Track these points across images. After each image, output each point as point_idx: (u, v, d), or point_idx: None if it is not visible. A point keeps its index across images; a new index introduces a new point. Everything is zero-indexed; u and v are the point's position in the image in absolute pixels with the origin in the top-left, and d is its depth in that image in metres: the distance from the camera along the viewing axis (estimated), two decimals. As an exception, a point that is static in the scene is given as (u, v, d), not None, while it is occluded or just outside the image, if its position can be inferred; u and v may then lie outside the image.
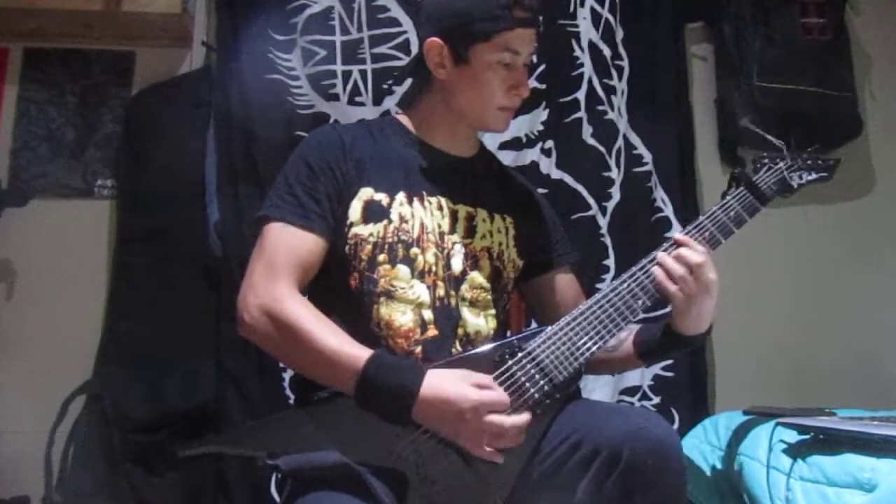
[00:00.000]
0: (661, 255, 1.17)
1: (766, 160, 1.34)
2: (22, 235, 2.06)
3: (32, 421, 1.93)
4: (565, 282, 1.39)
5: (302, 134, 1.99)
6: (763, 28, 2.25)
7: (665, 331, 1.22)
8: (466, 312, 1.20)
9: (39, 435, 1.91)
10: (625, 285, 1.17)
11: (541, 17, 1.26)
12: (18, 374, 1.97)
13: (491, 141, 2.08)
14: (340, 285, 1.19)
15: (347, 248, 1.19)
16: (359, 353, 1.06)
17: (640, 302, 1.16)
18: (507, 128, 1.33)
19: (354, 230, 1.19)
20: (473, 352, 1.14)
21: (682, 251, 1.16)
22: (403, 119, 1.34)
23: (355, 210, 1.20)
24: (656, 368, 2.14)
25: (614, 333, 1.15)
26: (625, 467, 0.99)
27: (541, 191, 1.69)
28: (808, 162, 1.37)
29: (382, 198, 1.21)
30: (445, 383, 1.04)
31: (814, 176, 1.36)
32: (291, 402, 1.32)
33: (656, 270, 1.16)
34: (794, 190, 1.35)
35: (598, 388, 2.08)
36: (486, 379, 1.07)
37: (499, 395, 1.05)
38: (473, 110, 1.27)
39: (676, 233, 1.21)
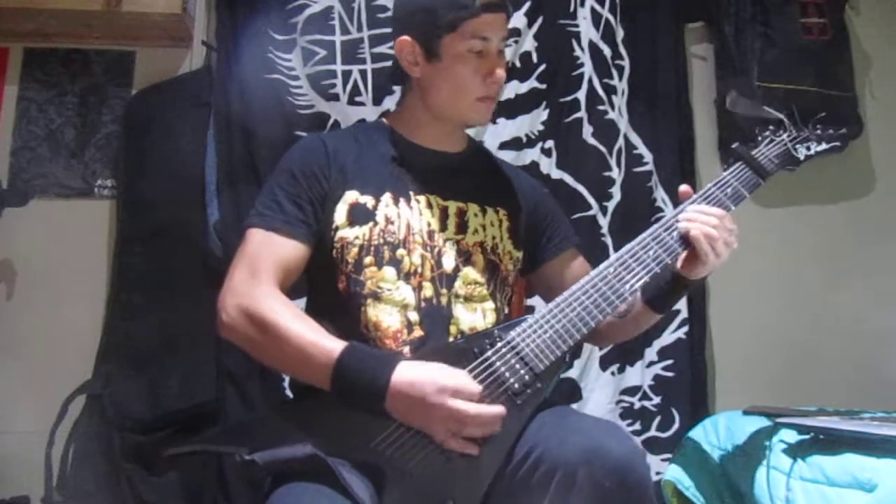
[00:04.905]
0: (692, 209, 1.17)
1: (767, 133, 1.30)
2: (22, 235, 2.05)
3: (32, 421, 1.92)
4: (573, 266, 1.37)
5: (302, 134, 1.99)
6: (763, 28, 2.25)
7: (672, 277, 1.21)
8: (461, 309, 1.20)
9: (39, 435, 1.90)
10: (611, 269, 1.15)
11: (509, 1, 1.25)
12: (18, 374, 1.97)
13: (491, 141, 2.09)
14: (329, 288, 1.20)
15: (334, 251, 1.19)
16: (333, 346, 1.06)
17: (627, 286, 1.14)
18: (488, 120, 1.33)
19: (340, 233, 1.19)
20: (453, 342, 1.14)
21: (705, 207, 1.18)
22: (389, 121, 1.34)
23: (340, 213, 1.20)
24: (657, 368, 2.14)
25: (600, 319, 1.13)
26: (580, 489, 0.96)
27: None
28: (817, 132, 1.32)
29: (368, 200, 1.21)
30: (415, 371, 1.04)
31: (824, 146, 1.31)
32: (291, 402, 1.32)
33: (691, 225, 1.15)
34: (799, 162, 1.29)
35: (598, 388, 2.08)
36: (459, 371, 1.06)
37: (467, 382, 1.04)
38: (452, 105, 1.26)
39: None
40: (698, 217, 1.17)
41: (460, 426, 1.02)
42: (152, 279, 2.01)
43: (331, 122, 2.10)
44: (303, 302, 1.28)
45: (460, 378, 1.04)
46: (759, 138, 1.30)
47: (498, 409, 1.04)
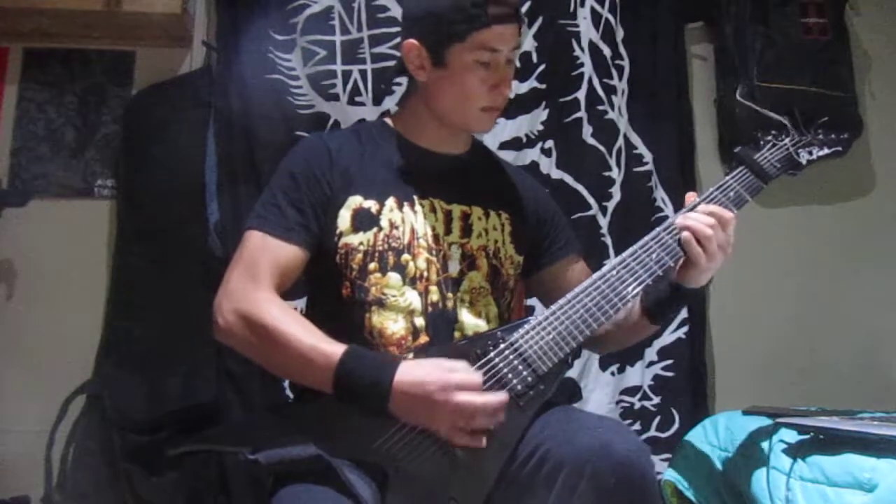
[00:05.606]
0: (690, 213, 1.15)
1: (770, 137, 1.30)
2: (22, 235, 2.05)
3: (32, 421, 1.92)
4: (573, 272, 1.36)
5: (302, 134, 2.00)
6: (763, 28, 2.25)
7: (670, 287, 1.20)
8: (465, 314, 1.19)
9: (39, 435, 1.90)
10: (613, 271, 1.15)
11: (522, 12, 1.25)
12: (18, 374, 1.97)
13: (491, 141, 2.08)
14: (332, 294, 1.19)
15: (338, 257, 1.19)
16: (334, 350, 1.05)
17: (630, 287, 1.14)
18: (491, 128, 1.32)
19: (344, 239, 1.19)
20: (456, 344, 1.13)
21: (710, 208, 1.15)
22: (392, 122, 1.33)
23: (344, 219, 1.19)
24: (657, 368, 2.14)
25: (602, 321, 1.13)
26: (587, 485, 0.96)
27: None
28: (819, 136, 1.32)
29: (372, 205, 1.20)
30: (417, 369, 1.04)
31: (826, 151, 1.32)
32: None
33: (690, 224, 1.14)
34: (802, 167, 1.30)
35: (598, 389, 2.08)
36: (459, 363, 1.05)
37: (469, 375, 1.04)
38: (455, 112, 1.25)
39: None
40: (693, 217, 1.16)
41: (468, 420, 1.02)
42: (152, 279, 2.00)
43: (331, 122, 2.10)
44: (301, 304, 1.28)
45: (461, 371, 1.04)
46: (762, 142, 1.29)
47: (502, 395, 1.04)
